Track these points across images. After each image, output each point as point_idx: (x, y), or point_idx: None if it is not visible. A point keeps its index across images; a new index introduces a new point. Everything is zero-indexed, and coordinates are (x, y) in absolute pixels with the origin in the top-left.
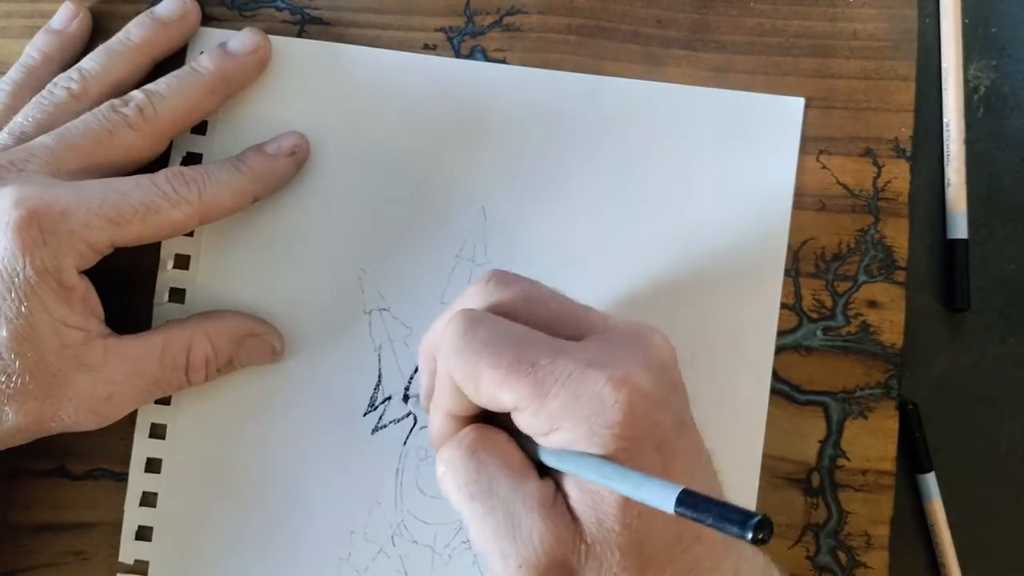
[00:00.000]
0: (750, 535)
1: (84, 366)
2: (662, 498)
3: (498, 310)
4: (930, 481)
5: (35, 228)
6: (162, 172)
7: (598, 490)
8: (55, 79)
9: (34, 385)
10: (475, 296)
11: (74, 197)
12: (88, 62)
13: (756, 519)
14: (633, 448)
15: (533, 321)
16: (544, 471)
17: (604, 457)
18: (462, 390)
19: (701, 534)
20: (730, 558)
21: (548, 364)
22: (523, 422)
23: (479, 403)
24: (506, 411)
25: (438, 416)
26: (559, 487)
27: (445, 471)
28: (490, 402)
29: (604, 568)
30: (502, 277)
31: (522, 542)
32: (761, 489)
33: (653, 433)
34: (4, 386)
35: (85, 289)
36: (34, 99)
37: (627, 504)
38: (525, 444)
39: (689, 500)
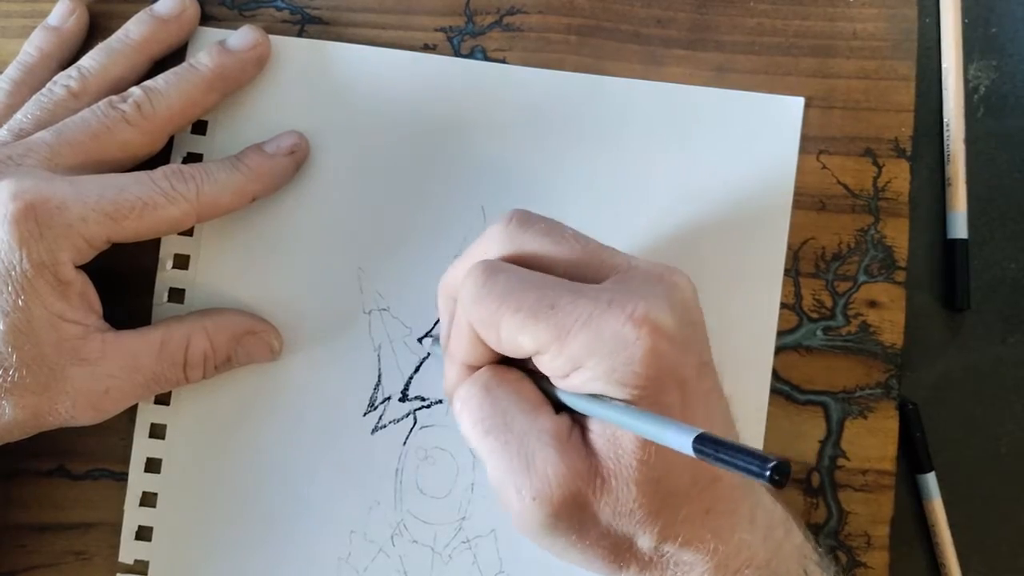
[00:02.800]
0: (767, 475)
1: (82, 360)
2: (680, 441)
3: (519, 253)
4: (930, 481)
5: (32, 221)
6: (160, 169)
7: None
8: (55, 77)
9: (31, 379)
10: (496, 236)
11: (71, 191)
12: (87, 60)
13: (773, 462)
14: (654, 387)
15: (555, 261)
16: (559, 408)
17: (625, 398)
18: (482, 338)
19: (718, 477)
20: (746, 502)
21: (568, 305)
22: (544, 364)
23: (499, 350)
24: (527, 356)
25: (454, 367)
26: (575, 423)
27: (461, 408)
28: (511, 348)
29: (620, 503)
30: (523, 217)
31: (536, 475)
32: None
33: (674, 372)
34: (1, 380)
35: (83, 284)
36: (34, 97)
37: (646, 441)
38: (540, 383)
39: (707, 442)
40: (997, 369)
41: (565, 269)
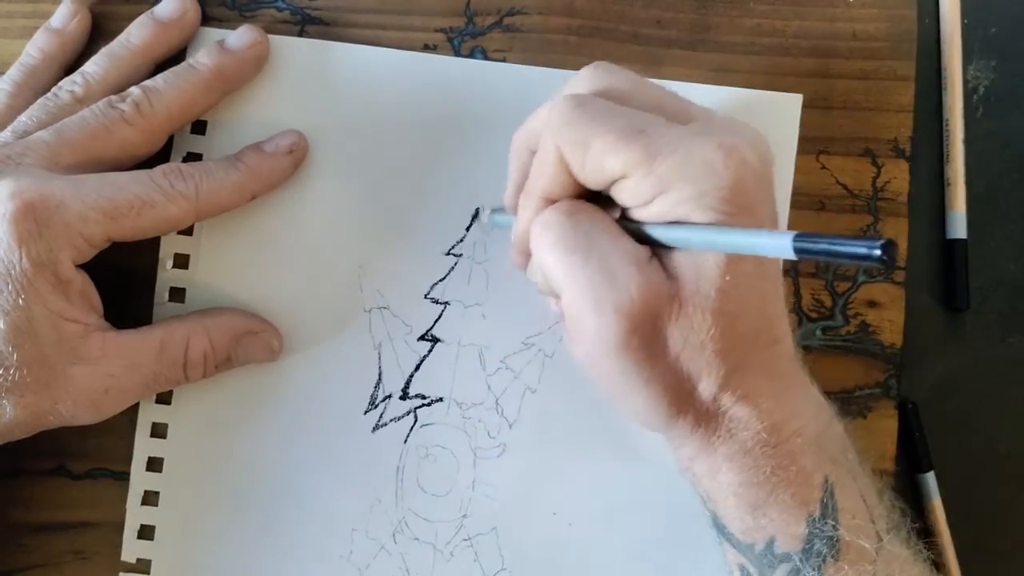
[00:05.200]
0: (878, 253)
1: (82, 359)
2: (778, 244)
3: (606, 91)
4: (930, 481)
5: (31, 220)
6: (159, 168)
7: (701, 252)
8: (60, 83)
9: (32, 378)
10: (583, 76)
11: (70, 190)
12: (91, 65)
13: (881, 240)
14: (737, 216)
15: (640, 104)
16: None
17: (710, 222)
18: (567, 162)
19: (779, 339)
20: (801, 376)
21: (658, 131)
22: (627, 190)
23: (583, 175)
24: (611, 181)
25: (531, 202)
26: (655, 254)
27: (542, 231)
28: (596, 170)
29: (693, 331)
30: (607, 65)
31: (618, 289)
32: None
33: (753, 209)
34: (2, 379)
35: (83, 283)
36: (38, 101)
37: (727, 268)
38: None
39: (806, 238)
40: (996, 369)
41: (649, 111)
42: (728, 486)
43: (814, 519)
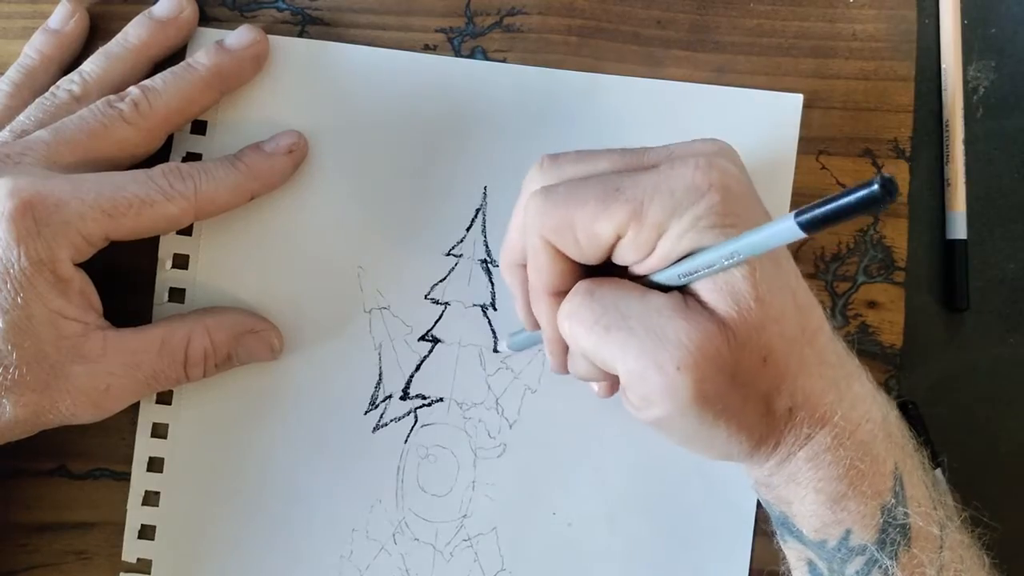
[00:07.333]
0: (877, 186)
1: (82, 358)
2: (785, 228)
3: (560, 180)
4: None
5: (29, 218)
6: (159, 167)
7: (728, 274)
8: (58, 82)
9: (32, 377)
10: (533, 180)
11: (69, 189)
12: (89, 65)
13: (876, 177)
14: (738, 223)
15: (597, 172)
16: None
17: (719, 239)
18: (560, 249)
19: (820, 327)
20: (851, 360)
21: (632, 184)
22: (626, 248)
23: (579, 254)
24: (609, 248)
25: (543, 303)
26: (685, 295)
27: (571, 321)
28: (590, 243)
29: (752, 352)
30: (552, 156)
31: (672, 345)
32: None
33: (748, 212)
34: (1, 378)
35: (82, 281)
36: (37, 100)
37: (754, 277)
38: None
39: (804, 212)
40: (997, 369)
41: (609, 173)
42: (809, 483)
43: (888, 508)
